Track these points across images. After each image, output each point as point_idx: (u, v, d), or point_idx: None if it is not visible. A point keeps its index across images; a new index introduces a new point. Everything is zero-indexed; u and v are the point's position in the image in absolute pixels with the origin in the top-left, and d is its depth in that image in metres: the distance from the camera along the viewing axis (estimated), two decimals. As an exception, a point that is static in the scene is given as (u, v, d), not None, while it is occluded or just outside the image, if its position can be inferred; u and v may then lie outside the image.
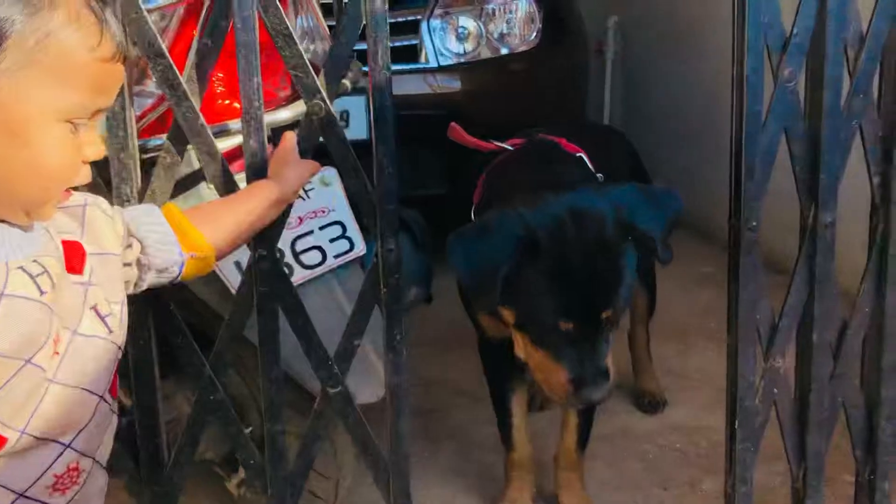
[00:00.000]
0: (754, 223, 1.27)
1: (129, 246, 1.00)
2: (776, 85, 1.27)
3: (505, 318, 1.43)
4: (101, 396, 0.90)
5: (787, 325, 1.32)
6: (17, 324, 0.79)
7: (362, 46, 1.20)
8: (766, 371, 1.35)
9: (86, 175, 0.85)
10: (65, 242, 0.89)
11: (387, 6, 1.18)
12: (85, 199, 0.95)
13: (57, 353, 0.84)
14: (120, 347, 0.93)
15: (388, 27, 1.19)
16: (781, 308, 1.33)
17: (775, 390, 1.35)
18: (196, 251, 1.05)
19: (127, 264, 0.99)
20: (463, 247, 1.39)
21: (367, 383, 1.45)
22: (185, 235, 1.04)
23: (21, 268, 0.81)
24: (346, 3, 1.22)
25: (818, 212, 1.29)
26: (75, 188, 0.90)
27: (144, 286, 1.04)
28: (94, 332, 0.89)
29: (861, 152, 1.33)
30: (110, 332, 0.90)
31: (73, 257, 0.89)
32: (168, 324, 1.27)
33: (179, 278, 1.06)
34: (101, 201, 0.98)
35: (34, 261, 0.83)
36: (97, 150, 0.84)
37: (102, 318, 0.90)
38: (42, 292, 0.82)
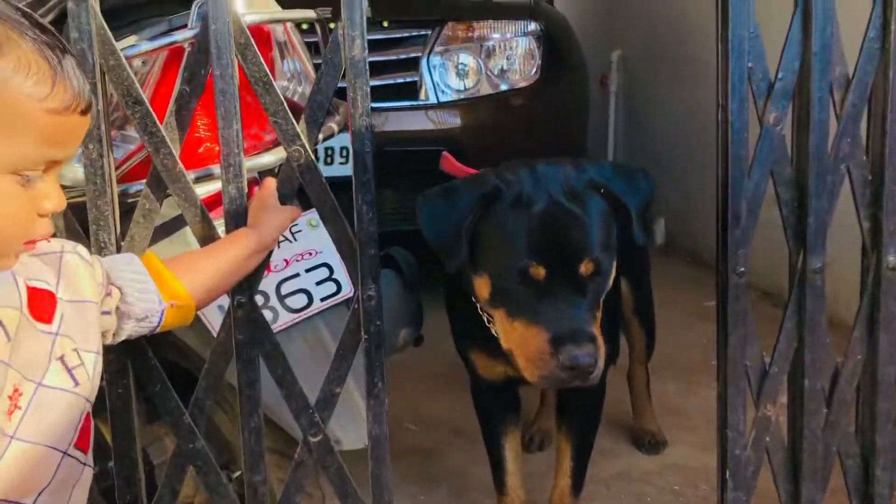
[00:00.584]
0: (742, 269, 1.25)
1: (109, 294, 0.99)
2: (762, 129, 1.26)
3: (480, 294, 1.35)
4: (65, 452, 0.88)
5: (778, 372, 1.30)
6: None
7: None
8: (757, 419, 1.31)
9: (45, 228, 0.82)
10: (32, 290, 0.87)
11: (366, 52, 1.18)
12: (62, 245, 0.94)
13: (18, 407, 0.82)
14: (88, 400, 0.91)
15: (367, 73, 1.19)
16: (772, 354, 1.30)
17: (767, 439, 1.32)
18: (176, 300, 1.03)
19: (106, 312, 0.98)
20: (429, 207, 1.36)
21: (353, 428, 1.42)
22: (164, 284, 1.03)
23: None
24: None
25: (807, 257, 1.27)
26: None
27: (123, 335, 1.03)
28: (60, 384, 0.87)
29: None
30: (77, 384, 0.88)
31: (42, 306, 0.87)
32: (146, 371, 1.26)
33: (159, 328, 1.05)
34: (80, 248, 0.96)
35: None
36: (55, 203, 0.80)
37: (69, 370, 0.88)
38: None
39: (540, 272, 1.25)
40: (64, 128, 0.79)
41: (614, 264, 1.34)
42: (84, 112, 0.81)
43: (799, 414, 1.33)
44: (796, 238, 1.29)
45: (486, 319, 1.44)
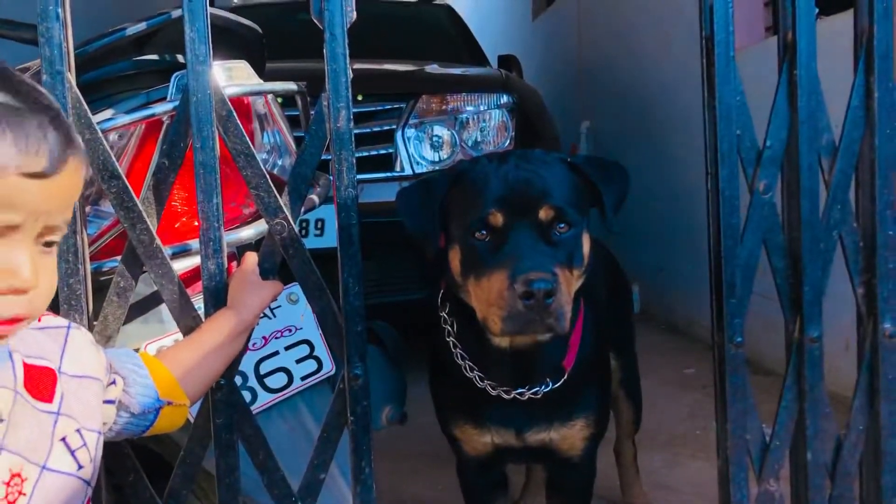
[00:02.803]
0: (739, 339, 1.22)
1: (113, 382, 0.95)
2: (752, 197, 1.24)
3: (455, 268, 1.33)
4: None
5: (780, 446, 1.25)
6: None
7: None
8: (759, 495, 1.26)
9: (12, 306, 0.73)
10: (30, 367, 0.82)
11: (351, 124, 1.15)
12: (69, 322, 0.91)
13: (23, 493, 0.77)
14: (90, 485, 0.86)
15: (353, 145, 1.16)
16: (773, 427, 1.26)
17: (771, 515, 1.27)
18: (172, 398, 0.99)
19: (109, 402, 0.94)
20: (406, 199, 1.40)
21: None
22: (160, 380, 0.99)
23: None
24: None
25: (804, 325, 1.24)
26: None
27: (115, 431, 0.97)
28: (64, 467, 0.82)
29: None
30: (80, 467, 0.84)
31: (41, 384, 0.82)
32: (118, 459, 1.17)
33: (149, 430, 1.00)
34: (86, 331, 0.93)
35: None
36: (22, 277, 0.72)
37: (72, 452, 0.83)
38: None
39: (498, 218, 1.24)
40: (6, 191, 0.71)
41: (585, 228, 1.32)
42: (35, 175, 0.72)
43: (803, 489, 1.28)
44: (792, 307, 1.26)
45: (465, 367, 1.42)
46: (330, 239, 2.73)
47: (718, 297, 1.24)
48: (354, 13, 1.15)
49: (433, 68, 3.46)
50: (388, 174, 3.04)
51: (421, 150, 3.11)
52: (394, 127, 3.06)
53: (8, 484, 0.75)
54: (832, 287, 1.28)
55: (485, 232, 1.25)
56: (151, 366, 1.00)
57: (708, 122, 1.24)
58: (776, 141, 1.24)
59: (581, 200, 1.33)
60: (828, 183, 1.26)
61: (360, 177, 3.31)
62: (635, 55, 4.60)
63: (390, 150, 3.06)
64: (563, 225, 1.25)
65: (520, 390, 1.41)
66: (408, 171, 3.07)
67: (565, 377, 1.43)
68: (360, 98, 3.05)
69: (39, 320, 0.87)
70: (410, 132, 3.09)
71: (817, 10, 1.25)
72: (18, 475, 0.77)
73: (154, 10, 1.24)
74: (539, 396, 1.42)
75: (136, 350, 1.27)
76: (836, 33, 1.85)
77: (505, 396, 1.42)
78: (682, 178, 3.95)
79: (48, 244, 0.77)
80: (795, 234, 1.25)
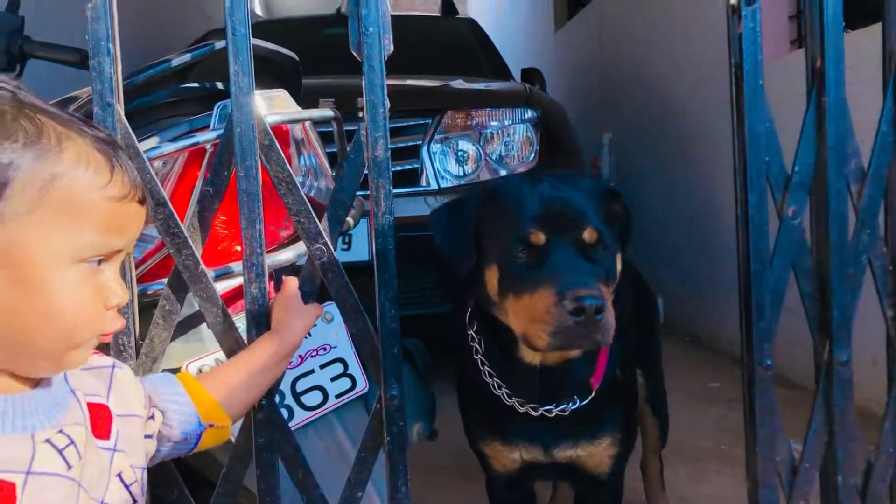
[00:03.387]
0: (768, 362, 1.24)
1: (152, 417, 0.98)
2: (781, 222, 1.26)
3: (491, 287, 1.33)
4: None
5: (809, 468, 1.27)
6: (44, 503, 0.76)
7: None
8: (789, 517, 1.28)
9: (116, 321, 0.82)
10: (91, 406, 0.86)
11: (389, 153, 1.19)
12: (113, 361, 0.94)
13: None
14: None
15: (390, 173, 1.19)
16: (802, 449, 1.27)
17: (801, 537, 1.28)
18: (214, 421, 1.02)
19: (148, 436, 0.97)
20: (439, 218, 1.42)
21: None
22: (201, 403, 1.02)
23: (48, 440, 0.78)
24: (348, 148, 1.23)
25: (833, 349, 1.26)
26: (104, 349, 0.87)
27: (159, 458, 1.01)
28: (119, 502, 0.85)
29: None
30: (134, 501, 0.87)
31: (100, 421, 0.86)
32: (162, 476, 1.21)
33: (194, 450, 1.02)
34: (128, 368, 0.96)
35: (60, 431, 0.80)
36: (120, 296, 0.81)
37: (127, 487, 0.87)
38: (69, 466, 0.79)
39: (539, 237, 1.26)
40: (123, 215, 0.80)
41: (619, 254, 1.35)
42: (141, 202, 0.83)
43: (832, 511, 1.29)
44: (820, 330, 1.28)
45: (493, 384, 1.44)
46: (357, 253, 2.77)
47: (748, 320, 1.26)
48: (392, 46, 1.18)
49: (458, 83, 3.49)
50: (414, 189, 3.08)
51: (446, 164, 3.15)
52: (419, 142, 3.10)
53: None
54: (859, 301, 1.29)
55: (525, 250, 1.27)
56: (192, 389, 1.03)
57: (737, 149, 1.26)
58: (804, 166, 1.26)
59: (612, 221, 1.36)
60: (857, 208, 1.28)
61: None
62: (658, 67, 4.61)
63: (416, 165, 3.10)
64: (601, 244, 1.28)
65: (547, 407, 1.43)
66: (433, 186, 3.10)
67: (592, 395, 1.45)
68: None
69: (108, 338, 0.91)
70: (436, 147, 3.13)
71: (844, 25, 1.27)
72: None
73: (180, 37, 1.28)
74: (566, 414, 1.44)
75: (178, 369, 1.31)
76: (862, 46, 1.86)
77: (533, 413, 1.44)
78: (705, 190, 3.95)
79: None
80: (824, 258, 1.27)
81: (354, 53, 1.19)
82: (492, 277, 1.33)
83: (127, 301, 0.83)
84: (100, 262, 0.79)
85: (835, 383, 1.25)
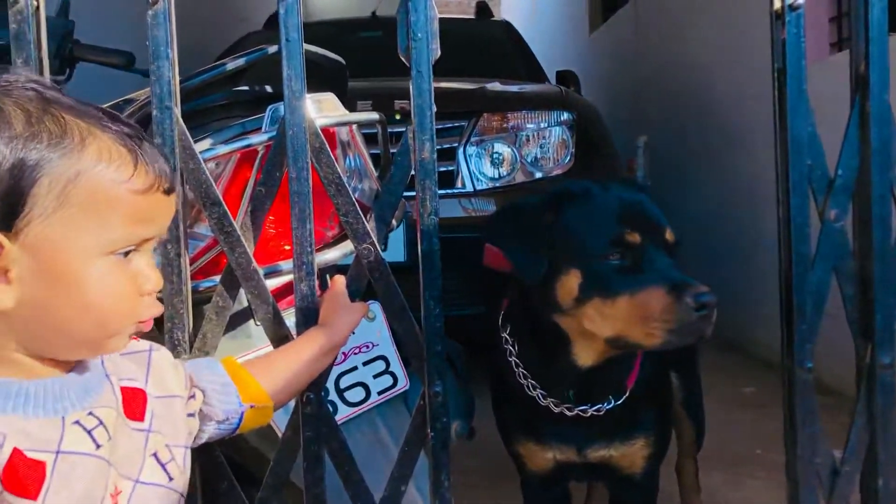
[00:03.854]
0: (809, 365, 1.25)
1: (193, 396, 1.01)
2: (823, 225, 1.27)
3: (566, 292, 1.33)
4: None
5: (850, 471, 1.27)
6: (73, 481, 0.79)
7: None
8: (830, 519, 1.28)
9: (152, 307, 0.84)
10: (125, 389, 0.89)
11: (435, 156, 1.22)
12: (150, 344, 0.97)
13: None
14: (182, 495, 0.93)
15: (436, 175, 1.22)
16: (843, 452, 1.28)
17: (841, 540, 1.28)
18: (255, 402, 1.05)
19: (190, 415, 1.00)
20: (503, 225, 1.41)
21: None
22: (244, 386, 1.05)
23: (77, 422, 0.81)
24: (394, 151, 1.26)
25: (875, 352, 1.26)
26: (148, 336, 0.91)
27: (204, 438, 1.04)
28: (156, 479, 0.88)
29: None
30: (171, 479, 0.90)
31: (134, 404, 0.89)
32: (213, 467, 1.25)
33: (237, 430, 1.06)
34: (166, 350, 0.99)
35: (90, 413, 0.83)
36: (154, 281, 0.83)
37: (163, 466, 0.90)
38: (98, 445, 0.82)
39: (636, 238, 1.28)
40: (149, 207, 0.82)
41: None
42: (167, 192, 0.84)
43: (873, 514, 1.30)
44: (862, 333, 1.28)
45: (528, 385, 1.45)
46: (393, 254, 2.81)
47: (789, 322, 1.27)
48: (439, 51, 1.21)
49: (494, 86, 3.51)
50: (450, 191, 3.10)
51: (482, 166, 3.17)
52: (455, 144, 3.13)
53: (113, 496, 0.82)
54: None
55: (618, 252, 1.29)
56: (233, 371, 1.06)
57: (779, 153, 1.27)
58: (847, 170, 1.27)
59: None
60: (899, 212, 1.28)
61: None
62: (694, 70, 4.60)
63: (451, 168, 3.13)
64: (676, 244, 1.33)
65: (582, 407, 1.44)
66: (468, 188, 3.13)
67: (627, 395, 1.47)
68: None
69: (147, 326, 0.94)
70: (472, 149, 3.15)
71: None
72: (117, 487, 0.83)
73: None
74: (601, 413, 1.46)
75: None
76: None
77: (567, 413, 1.46)
78: (741, 195, 3.93)
79: None
80: (867, 261, 1.27)
81: (402, 58, 1.22)
82: (569, 282, 1.32)
83: (161, 286, 0.85)
84: (130, 251, 0.82)
85: (877, 387, 1.25)
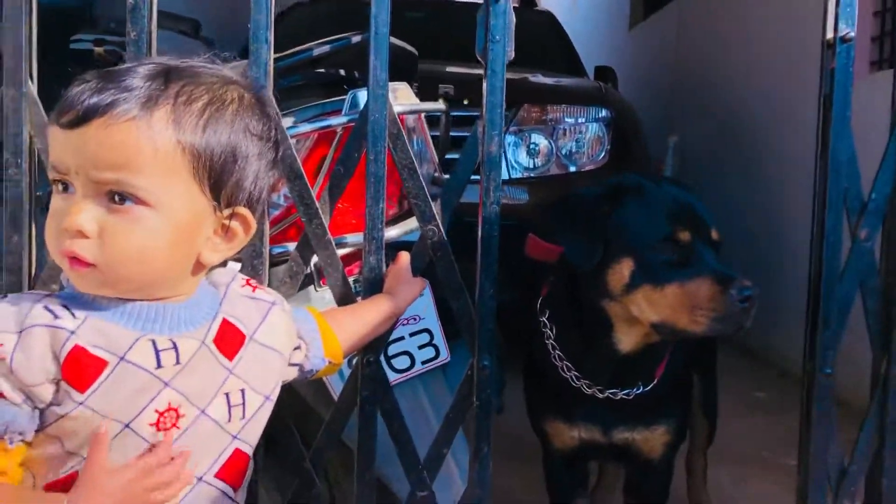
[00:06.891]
0: (829, 370, 1.35)
1: (298, 347, 1.09)
2: (853, 243, 1.36)
3: (618, 280, 1.43)
4: (200, 478, 0.95)
5: (856, 472, 1.38)
6: (120, 388, 0.87)
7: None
8: (834, 513, 1.39)
9: (67, 243, 0.86)
10: (226, 324, 0.96)
11: (502, 149, 1.32)
12: (275, 299, 1.05)
13: (177, 427, 0.91)
14: (235, 437, 0.98)
15: (501, 167, 1.32)
16: (851, 453, 1.38)
17: (844, 535, 1.39)
18: (332, 358, 1.14)
19: (294, 364, 1.08)
20: (564, 216, 1.51)
21: (445, 489, 1.51)
22: (326, 340, 1.13)
23: (152, 340, 0.89)
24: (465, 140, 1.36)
25: (890, 364, 1.36)
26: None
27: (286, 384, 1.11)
28: (217, 416, 0.95)
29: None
30: (228, 420, 0.96)
31: (230, 341, 0.96)
32: (278, 423, 1.36)
33: (308, 378, 1.15)
34: (285, 304, 1.07)
35: (170, 339, 0.91)
36: (69, 221, 0.85)
37: (229, 407, 0.96)
38: (159, 366, 0.89)
39: (686, 235, 1.39)
40: (51, 138, 0.88)
41: None
42: (63, 126, 0.85)
43: (876, 512, 1.40)
44: (881, 344, 1.38)
45: (562, 367, 1.55)
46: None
47: (813, 329, 1.37)
48: (513, 53, 1.31)
49: (537, 78, 3.57)
50: (485, 177, 3.19)
51: (518, 155, 3.25)
52: (495, 133, 3.21)
53: (161, 413, 0.89)
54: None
55: (671, 246, 1.40)
56: (322, 328, 1.14)
57: (819, 173, 1.36)
58: (881, 195, 1.36)
59: None
60: (927, 236, 1.38)
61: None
62: (733, 76, 4.63)
63: (489, 154, 3.21)
64: (721, 243, 1.43)
65: (613, 391, 1.54)
66: (503, 176, 3.21)
67: (655, 382, 1.57)
68: (466, 102, 3.21)
69: (254, 290, 1.03)
70: (510, 138, 3.23)
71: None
72: (176, 410, 0.90)
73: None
74: (630, 398, 1.56)
75: None
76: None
77: (598, 396, 1.56)
78: (768, 204, 3.99)
79: (119, 200, 0.86)
80: (891, 280, 1.37)
81: (479, 58, 1.32)
82: (621, 270, 1.43)
83: (75, 227, 0.84)
84: (67, 186, 0.86)
85: (890, 395, 1.36)
